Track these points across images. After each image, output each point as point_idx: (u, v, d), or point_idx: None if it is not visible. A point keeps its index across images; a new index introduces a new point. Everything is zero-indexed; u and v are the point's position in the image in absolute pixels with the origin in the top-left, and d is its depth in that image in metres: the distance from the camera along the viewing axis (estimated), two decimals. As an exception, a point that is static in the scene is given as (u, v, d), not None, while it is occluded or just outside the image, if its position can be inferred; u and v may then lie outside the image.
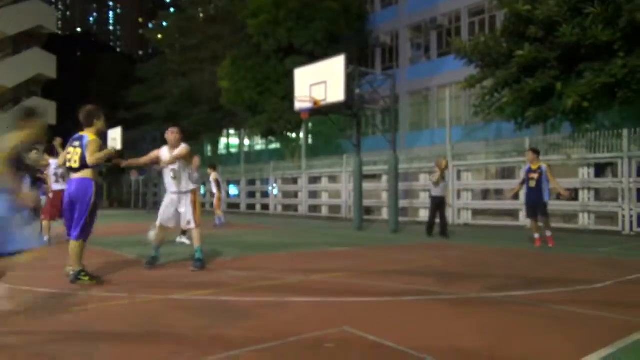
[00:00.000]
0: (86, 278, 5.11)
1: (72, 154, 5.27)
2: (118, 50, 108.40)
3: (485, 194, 16.78)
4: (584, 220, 12.84)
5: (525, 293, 4.82)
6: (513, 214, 14.64)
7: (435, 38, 24.34)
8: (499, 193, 16.51)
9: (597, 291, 5.05)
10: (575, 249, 8.89)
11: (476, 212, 15.55)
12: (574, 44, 11.76)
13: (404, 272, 6.26)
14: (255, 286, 5.20)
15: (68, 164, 5.32)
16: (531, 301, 4.48)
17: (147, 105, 35.48)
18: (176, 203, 6.45)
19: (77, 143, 5.29)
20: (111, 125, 26.83)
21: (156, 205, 26.15)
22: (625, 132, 12.23)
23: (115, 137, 23.73)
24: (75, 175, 5.26)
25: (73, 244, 5.17)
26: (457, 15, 23.25)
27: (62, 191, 7.56)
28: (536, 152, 9.53)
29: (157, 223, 6.50)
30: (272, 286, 5.23)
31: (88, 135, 5.30)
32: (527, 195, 9.29)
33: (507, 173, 16.26)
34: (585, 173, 12.92)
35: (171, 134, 6.60)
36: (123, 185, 36.18)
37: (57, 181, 8.86)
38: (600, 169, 13.30)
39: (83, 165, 5.18)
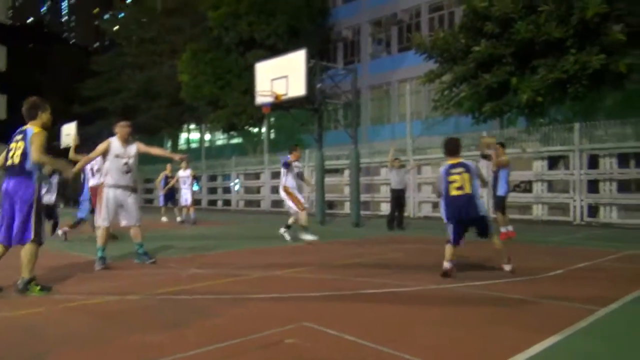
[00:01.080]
0: (37, 288, 4.60)
1: (14, 149, 4.68)
2: (72, 41, 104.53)
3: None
4: (538, 211, 13.30)
5: (481, 283, 4.96)
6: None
7: (395, 33, 24.59)
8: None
9: (549, 279, 5.23)
10: (529, 239, 9.19)
11: (436, 205, 15.85)
12: (529, 40, 12.11)
13: (365, 265, 6.32)
14: (214, 283, 5.14)
15: (9, 162, 4.68)
16: (487, 291, 4.61)
17: (103, 99, 34.36)
18: (120, 199, 6.24)
19: (19, 137, 4.74)
20: (65, 120, 25.92)
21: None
22: (576, 125, 12.72)
23: (69, 133, 22.88)
24: (14, 173, 4.66)
25: (27, 248, 4.61)
26: (417, 10, 23.55)
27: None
28: (502, 145, 9.30)
29: (102, 224, 6.21)
30: (232, 283, 5.19)
31: (32, 128, 4.73)
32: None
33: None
34: (539, 166, 13.37)
35: (122, 127, 6.41)
36: (78, 182, 35.00)
37: None
38: (553, 162, 13.79)
39: (23, 161, 4.60)
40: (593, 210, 12.65)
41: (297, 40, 22.01)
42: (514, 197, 13.71)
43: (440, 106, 14.94)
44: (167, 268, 6.10)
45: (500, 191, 8.70)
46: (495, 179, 8.77)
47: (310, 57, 11.54)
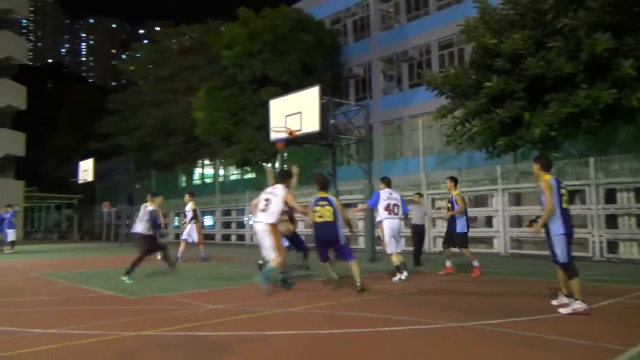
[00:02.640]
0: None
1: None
2: (90, 81, 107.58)
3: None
4: (556, 247, 13.08)
5: (503, 321, 4.86)
6: (487, 241, 14.83)
7: (406, 70, 24.94)
8: (472, 221, 16.72)
9: (572, 318, 5.11)
10: (547, 275, 9.02)
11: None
12: (540, 75, 12.21)
13: (383, 302, 6.25)
14: (231, 320, 5.11)
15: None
16: (508, 329, 4.52)
17: (120, 137, 35.08)
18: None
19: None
20: (83, 156, 26.43)
21: (128, 237, 25.64)
22: (591, 160, 12.65)
23: (86, 169, 23.31)
24: None
25: None
26: (427, 48, 23.94)
27: None
28: (453, 180, 9.70)
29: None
30: (249, 319, 5.15)
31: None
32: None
33: (480, 201, 16.53)
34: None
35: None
36: (94, 217, 35.33)
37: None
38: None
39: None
40: (612, 246, 12.42)
41: (310, 77, 22.45)
42: (530, 233, 13.55)
43: (453, 141, 14.99)
44: (183, 304, 6.08)
45: (459, 229, 9.19)
46: (453, 218, 9.33)
47: (323, 93, 11.73)
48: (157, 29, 74.36)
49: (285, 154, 22.90)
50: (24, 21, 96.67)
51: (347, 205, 17.91)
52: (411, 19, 25.05)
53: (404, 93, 24.78)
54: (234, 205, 24.47)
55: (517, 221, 14.52)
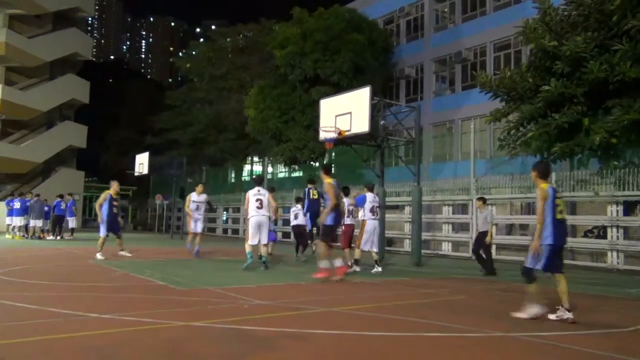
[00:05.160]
0: None
1: None
2: (149, 77, 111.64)
3: (510, 229, 16.51)
4: (613, 260, 12.50)
5: (554, 334, 4.71)
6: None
7: (460, 71, 24.46)
8: (523, 228, 16.22)
9: (629, 335, 4.89)
10: (603, 289, 8.65)
11: (500, 247, 15.28)
12: (602, 80, 11.68)
13: (428, 306, 6.18)
14: (276, 316, 5.20)
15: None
16: (561, 343, 4.37)
17: (174, 131, 36.29)
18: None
19: None
20: (139, 150, 27.51)
21: (179, 229, 26.49)
22: (655, 170, 11.98)
23: (142, 162, 24.25)
24: None
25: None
26: (483, 49, 23.38)
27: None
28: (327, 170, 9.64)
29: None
30: (293, 317, 5.23)
31: None
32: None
33: (532, 208, 16.00)
34: (614, 211, 12.63)
35: None
36: (148, 209, 36.71)
37: (347, 216, 10.08)
38: (630, 207, 13.00)
39: None
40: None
41: (361, 78, 22.42)
42: (586, 243, 13.03)
43: (506, 145, 14.56)
44: (230, 297, 6.23)
45: (328, 221, 8.52)
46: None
47: (373, 94, 11.69)
48: (213, 27, 76.22)
49: (333, 154, 22.98)
50: (89, 19, 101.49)
51: (394, 207, 17.78)
52: (466, 20, 24.55)
53: (457, 95, 24.32)
54: (280, 203, 24.75)
55: (571, 231, 13.94)
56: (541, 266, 5.34)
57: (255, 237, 9.46)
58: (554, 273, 5.41)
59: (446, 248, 15.99)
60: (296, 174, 30.37)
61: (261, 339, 4.18)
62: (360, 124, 11.41)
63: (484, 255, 10.64)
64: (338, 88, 19.76)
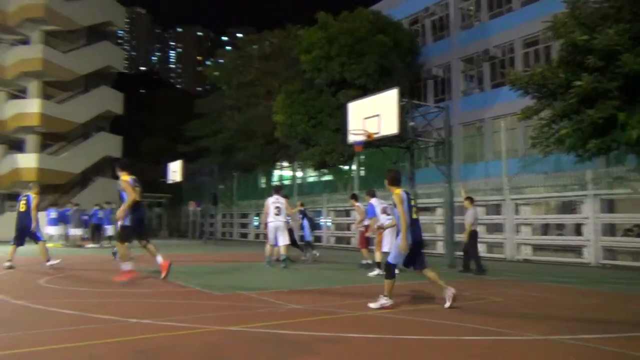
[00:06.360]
0: None
1: None
2: (178, 86, 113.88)
3: (545, 229, 16.16)
4: (655, 258, 12.10)
5: (596, 337, 4.60)
6: (576, 250, 13.99)
7: (488, 70, 24.11)
8: (560, 228, 15.85)
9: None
10: (646, 288, 8.39)
11: (536, 248, 14.97)
12: (637, 73, 11.34)
13: (465, 309, 6.13)
14: (312, 320, 5.25)
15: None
16: (603, 346, 4.28)
17: (205, 139, 36.95)
18: None
19: None
20: (172, 158, 28.09)
21: (212, 235, 26.90)
22: (697, 164, 11.55)
23: (175, 170, 24.78)
24: None
25: None
26: (511, 46, 22.99)
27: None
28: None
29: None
30: (329, 320, 5.27)
31: None
32: None
33: (568, 207, 15.63)
34: (655, 207, 12.24)
35: None
36: (181, 216, 37.40)
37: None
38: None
39: None
40: None
41: (388, 79, 22.33)
42: (626, 242, 12.64)
43: (538, 143, 14.25)
44: (264, 302, 6.32)
45: (126, 221, 8.20)
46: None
47: (401, 95, 11.66)
48: (240, 35, 77.28)
49: (362, 157, 22.96)
50: (120, 32, 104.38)
51: (425, 209, 17.63)
52: (493, 17, 24.19)
53: (486, 94, 23.98)
54: (311, 207, 24.86)
55: (610, 229, 13.56)
56: (393, 259, 6.05)
57: (274, 240, 11.05)
58: (416, 269, 6.19)
59: (480, 250, 15.71)
60: (326, 178, 30.46)
61: (298, 343, 4.24)
62: (389, 126, 11.40)
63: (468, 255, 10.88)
64: (365, 91, 19.74)
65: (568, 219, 14.87)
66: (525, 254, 14.71)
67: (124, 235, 8.36)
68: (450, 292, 5.91)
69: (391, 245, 9.79)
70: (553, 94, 13.43)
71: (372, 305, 5.91)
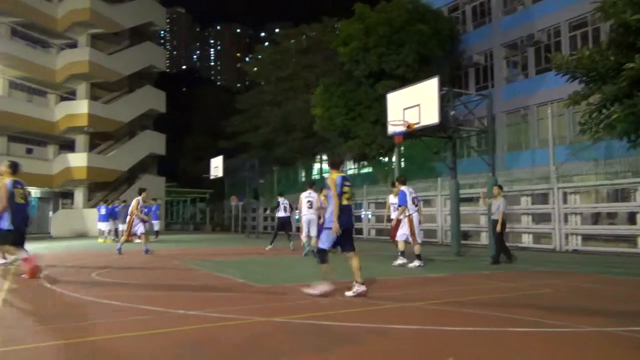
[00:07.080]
0: None
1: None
2: (218, 83, 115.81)
3: (596, 218, 15.53)
4: None
5: (650, 328, 4.40)
6: (630, 240, 13.38)
7: (532, 55, 23.32)
8: (612, 217, 15.20)
9: None
10: None
11: (586, 238, 14.41)
12: (695, 52, 10.70)
13: (509, 300, 5.97)
14: (354, 311, 5.24)
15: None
16: (657, 337, 4.08)
17: (245, 135, 37.47)
18: None
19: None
20: (213, 154, 28.65)
21: (254, 229, 27.30)
22: None
23: (217, 165, 25.25)
24: None
25: None
26: (557, 30, 22.14)
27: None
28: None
29: None
30: (371, 312, 5.24)
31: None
32: None
33: (620, 195, 14.95)
34: None
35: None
36: (224, 210, 38.13)
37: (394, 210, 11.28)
38: None
39: None
40: None
41: (427, 69, 21.97)
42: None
43: (588, 130, 13.67)
44: (308, 294, 6.35)
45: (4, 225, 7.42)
46: None
47: (441, 84, 11.44)
48: (277, 30, 77.73)
49: (402, 148, 22.71)
50: (161, 32, 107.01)
51: (469, 200, 17.27)
52: (537, 0, 23.33)
53: (530, 80, 23.22)
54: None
55: (667, 218, 12.89)
56: (323, 245, 6.17)
57: (307, 232, 11.97)
58: (347, 251, 6.23)
59: (526, 240, 15.31)
60: (365, 170, 30.33)
61: (341, 334, 4.24)
62: (430, 115, 11.22)
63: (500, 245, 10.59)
64: (404, 81, 19.49)
65: (621, 207, 14.23)
66: (574, 244, 14.19)
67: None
68: (361, 288, 5.97)
69: (407, 232, 9.96)
70: (603, 78, 12.85)
71: (309, 290, 6.02)
